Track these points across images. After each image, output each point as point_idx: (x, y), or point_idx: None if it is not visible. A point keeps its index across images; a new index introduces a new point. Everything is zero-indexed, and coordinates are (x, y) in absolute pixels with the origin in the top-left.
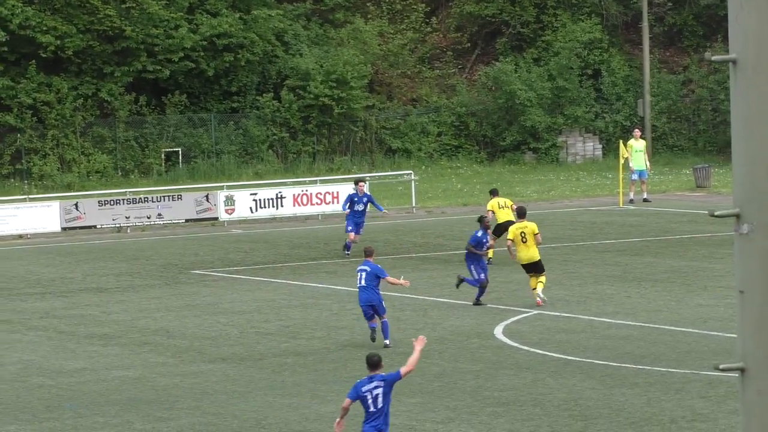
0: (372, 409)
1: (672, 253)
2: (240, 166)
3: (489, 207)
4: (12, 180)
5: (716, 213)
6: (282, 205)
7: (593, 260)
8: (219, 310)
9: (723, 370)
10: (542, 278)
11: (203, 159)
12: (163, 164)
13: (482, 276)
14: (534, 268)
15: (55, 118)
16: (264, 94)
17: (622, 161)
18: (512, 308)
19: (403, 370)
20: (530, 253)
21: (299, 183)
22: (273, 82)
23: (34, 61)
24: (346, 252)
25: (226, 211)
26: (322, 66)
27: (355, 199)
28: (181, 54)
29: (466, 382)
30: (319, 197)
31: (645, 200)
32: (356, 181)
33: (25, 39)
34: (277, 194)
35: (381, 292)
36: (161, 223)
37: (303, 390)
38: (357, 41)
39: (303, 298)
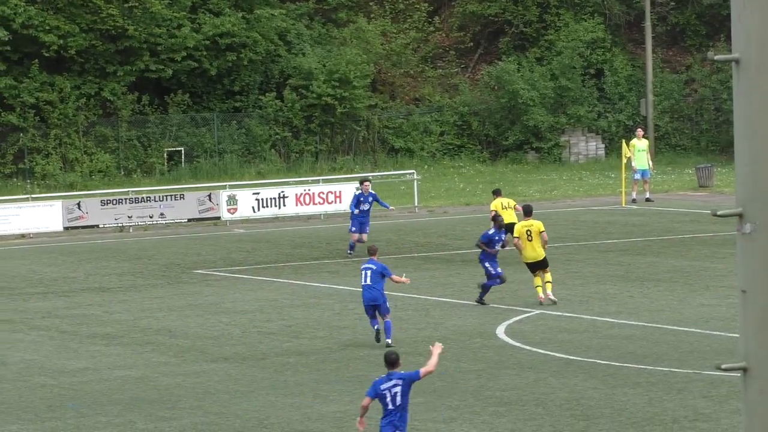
0: (390, 406)
1: (674, 253)
2: (242, 165)
3: (493, 207)
4: (15, 179)
5: (719, 212)
6: (284, 205)
7: (596, 260)
8: (221, 309)
9: (725, 369)
10: (548, 276)
11: (206, 158)
12: (165, 164)
13: (500, 270)
14: (539, 266)
15: (58, 118)
16: (267, 94)
17: (624, 161)
18: (514, 308)
19: (422, 370)
20: (535, 251)
21: (302, 182)
22: (276, 82)
23: (36, 60)
24: (349, 252)
25: (229, 210)
26: (324, 65)
27: (362, 198)
28: (184, 53)
29: (468, 381)
30: (322, 197)
31: (647, 200)
32: (361, 181)
33: (27, 38)
34: (279, 194)
35: (384, 292)
36: (164, 222)
37: (305, 389)
38: (360, 41)
39: (305, 298)
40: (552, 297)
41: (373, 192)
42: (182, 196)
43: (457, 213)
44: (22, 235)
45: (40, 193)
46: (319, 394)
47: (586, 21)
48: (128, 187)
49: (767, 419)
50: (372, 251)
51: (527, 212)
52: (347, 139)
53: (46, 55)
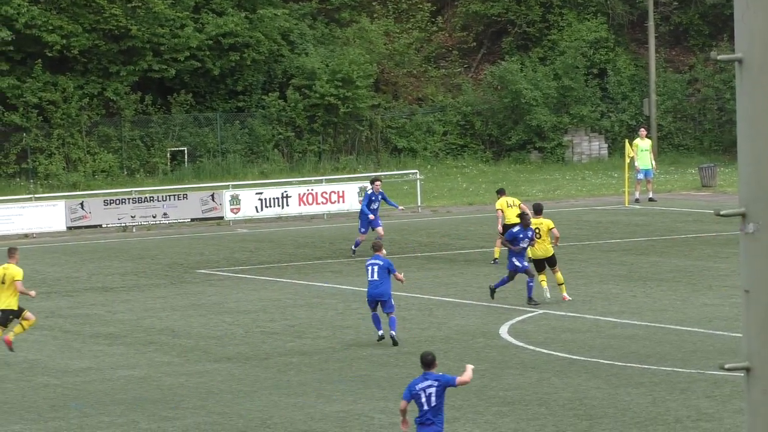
0: (426, 407)
1: (677, 253)
2: (245, 165)
3: (497, 206)
4: (18, 179)
5: (722, 212)
6: (287, 205)
7: (599, 259)
8: (224, 309)
9: (728, 369)
10: (560, 277)
11: (209, 158)
12: (168, 163)
13: (526, 264)
14: (547, 263)
15: (61, 118)
16: (270, 94)
17: (627, 160)
18: (517, 308)
19: (459, 378)
20: (544, 249)
21: (305, 182)
22: (279, 82)
23: (39, 60)
24: (353, 248)
25: (232, 210)
26: (327, 65)
27: (373, 197)
28: (187, 53)
29: (471, 381)
30: (325, 196)
31: (650, 199)
32: (372, 180)
33: (30, 38)
34: (282, 193)
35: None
36: (167, 222)
37: (308, 389)
38: (363, 40)
39: (308, 298)
40: (567, 296)
41: (382, 191)
42: (185, 196)
43: (460, 213)
44: (25, 235)
45: (43, 192)
46: (322, 393)
47: (589, 21)
48: (131, 186)
49: None
50: (377, 247)
51: (538, 211)
52: (350, 139)
53: (49, 54)
